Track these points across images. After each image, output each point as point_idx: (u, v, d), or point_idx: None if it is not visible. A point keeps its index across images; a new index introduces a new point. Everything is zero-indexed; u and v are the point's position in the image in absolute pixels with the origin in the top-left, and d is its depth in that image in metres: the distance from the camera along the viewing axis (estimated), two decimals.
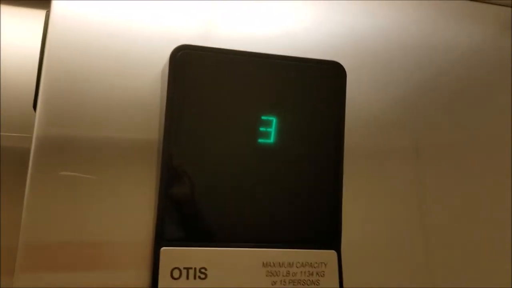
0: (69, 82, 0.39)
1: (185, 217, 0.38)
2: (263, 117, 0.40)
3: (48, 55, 0.39)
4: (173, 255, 0.36)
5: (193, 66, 0.38)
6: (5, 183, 0.45)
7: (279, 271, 0.38)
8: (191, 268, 0.36)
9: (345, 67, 0.42)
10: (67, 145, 0.38)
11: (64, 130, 0.38)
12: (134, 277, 0.37)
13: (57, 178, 0.37)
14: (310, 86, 0.41)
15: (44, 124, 0.38)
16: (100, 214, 0.37)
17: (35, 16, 0.49)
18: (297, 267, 0.39)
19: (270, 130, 0.40)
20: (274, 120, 0.40)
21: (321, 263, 0.40)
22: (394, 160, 0.46)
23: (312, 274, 0.39)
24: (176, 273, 0.36)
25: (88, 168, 0.38)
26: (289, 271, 0.39)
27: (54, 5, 0.40)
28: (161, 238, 0.37)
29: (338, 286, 0.39)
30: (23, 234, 0.36)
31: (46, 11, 0.40)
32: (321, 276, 0.39)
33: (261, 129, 0.40)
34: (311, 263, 0.39)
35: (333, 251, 0.40)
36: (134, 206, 0.38)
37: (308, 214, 0.40)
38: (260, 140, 0.39)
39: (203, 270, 0.37)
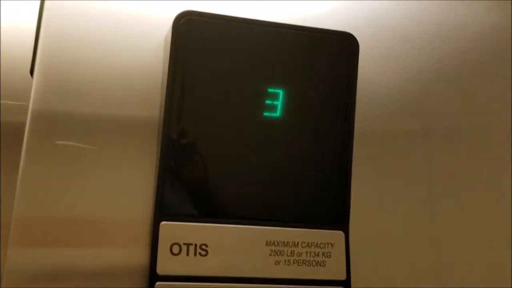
0: (67, 52, 0.37)
1: (186, 192, 0.36)
2: (270, 90, 0.38)
3: (45, 23, 0.37)
4: (173, 230, 0.35)
5: (197, 34, 0.36)
6: (4, 154, 0.43)
7: (283, 251, 0.37)
8: (191, 244, 0.35)
9: (358, 39, 0.40)
10: (64, 117, 0.36)
11: (62, 101, 0.36)
12: (133, 254, 0.35)
13: (54, 150, 0.36)
14: (320, 58, 0.39)
15: (41, 94, 0.36)
16: (98, 189, 0.36)
17: None
18: (302, 247, 0.37)
19: (277, 103, 0.38)
20: (281, 93, 0.38)
21: (328, 243, 0.38)
22: (404, 141, 0.44)
23: (318, 254, 0.37)
24: (175, 249, 0.34)
25: (86, 140, 0.36)
26: (293, 251, 0.37)
27: None
28: (161, 212, 0.35)
29: (345, 268, 0.38)
30: (17, 207, 0.34)
31: None
32: (327, 257, 0.38)
33: (267, 102, 0.38)
34: (317, 243, 0.38)
35: (341, 231, 0.38)
36: (134, 181, 0.37)
37: (315, 192, 0.39)
38: (265, 114, 0.38)
39: (203, 247, 0.35)
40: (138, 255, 0.35)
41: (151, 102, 0.38)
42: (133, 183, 0.37)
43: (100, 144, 0.37)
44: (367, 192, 0.42)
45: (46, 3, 0.38)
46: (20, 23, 0.46)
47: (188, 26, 0.36)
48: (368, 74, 0.43)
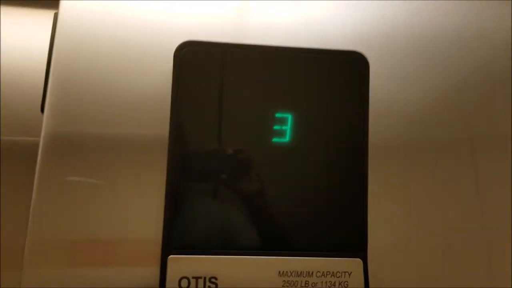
0: (78, 82, 0.38)
1: (194, 223, 0.35)
2: (278, 115, 0.37)
3: (56, 55, 0.38)
4: (181, 264, 0.34)
5: (199, 63, 0.36)
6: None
7: (297, 281, 0.35)
8: (200, 277, 0.34)
9: (373, 58, 0.38)
10: (75, 146, 0.37)
11: (72, 131, 0.37)
12: (144, 277, 0.35)
13: (65, 180, 0.36)
14: (328, 79, 0.37)
15: (52, 125, 0.37)
16: (109, 213, 0.36)
17: (41, 17, 0.48)
18: (317, 276, 0.36)
19: (285, 128, 0.37)
20: (289, 117, 0.37)
21: (345, 272, 0.36)
22: (425, 159, 0.42)
23: (334, 284, 0.36)
24: (184, 283, 0.34)
25: (96, 168, 0.37)
26: (308, 281, 0.35)
27: (62, 5, 0.39)
28: (169, 245, 0.34)
29: None
30: (31, 233, 0.35)
31: (55, 13, 0.40)
32: (345, 286, 0.36)
33: (276, 127, 0.37)
34: (333, 272, 0.36)
35: (359, 259, 0.37)
36: (145, 205, 0.36)
37: (330, 218, 0.37)
38: (274, 139, 0.37)
39: (213, 280, 0.34)
40: (151, 279, 0.35)
41: (161, 127, 0.38)
42: (145, 207, 0.36)
43: (110, 170, 0.37)
44: (388, 213, 0.40)
45: (57, 37, 0.38)
46: (32, 58, 0.47)
47: (189, 56, 0.36)
48: (384, 92, 0.41)
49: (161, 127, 0.37)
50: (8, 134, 0.46)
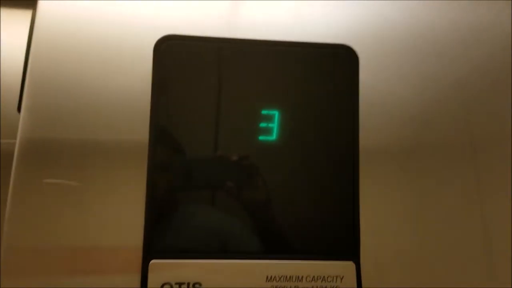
0: (55, 84, 0.36)
1: (176, 226, 0.34)
2: (264, 112, 0.35)
3: (33, 56, 0.37)
4: (163, 269, 0.32)
5: (179, 58, 0.34)
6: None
7: (286, 287, 0.33)
8: (183, 283, 0.32)
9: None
10: (52, 149, 0.35)
11: (50, 133, 0.35)
12: (126, 283, 0.33)
13: (42, 183, 0.35)
14: (316, 74, 0.36)
15: (28, 128, 0.35)
16: (87, 218, 0.34)
17: (20, 17, 0.47)
18: (307, 281, 0.34)
19: (272, 125, 0.35)
20: (276, 114, 0.35)
21: (336, 276, 0.34)
22: (417, 160, 0.40)
23: None
24: None
25: (75, 171, 0.35)
26: (297, 286, 0.34)
27: (40, 5, 0.38)
28: (150, 250, 0.33)
29: None
30: (6, 240, 0.33)
31: (32, 11, 0.38)
32: None
33: (262, 125, 0.35)
34: (324, 276, 0.34)
35: (351, 262, 0.35)
36: (124, 210, 0.35)
37: (320, 219, 0.35)
38: (260, 138, 0.35)
39: (197, 286, 0.32)
40: (132, 281, 0.33)
41: (140, 129, 0.36)
42: (124, 212, 0.34)
43: (88, 174, 0.35)
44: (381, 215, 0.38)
45: (35, 37, 0.37)
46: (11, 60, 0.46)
47: (169, 50, 0.34)
48: (375, 88, 0.40)
49: (140, 130, 0.35)
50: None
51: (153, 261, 0.33)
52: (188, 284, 0.32)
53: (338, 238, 0.35)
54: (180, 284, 0.32)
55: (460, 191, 0.38)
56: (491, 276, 0.38)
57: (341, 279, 0.34)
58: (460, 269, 0.37)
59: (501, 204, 0.39)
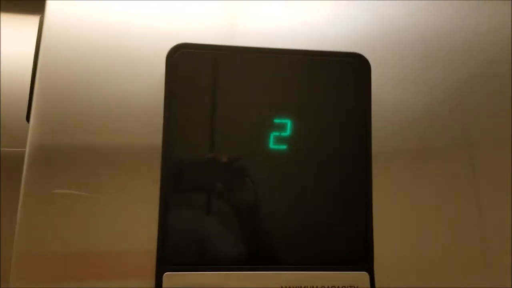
0: (65, 90, 0.36)
1: (189, 237, 0.33)
2: (276, 120, 0.35)
3: (42, 62, 0.36)
4: (177, 281, 0.32)
5: (193, 67, 0.34)
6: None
7: None
8: None
9: (372, 60, 0.36)
10: (62, 157, 0.35)
11: (59, 141, 0.35)
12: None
13: (52, 192, 0.34)
14: (328, 82, 0.36)
15: (38, 135, 0.35)
16: (99, 225, 0.34)
17: (29, 22, 0.46)
18: None
19: (285, 134, 0.35)
20: (288, 123, 0.35)
21: (350, 287, 0.34)
22: (430, 163, 0.40)
23: None
24: None
25: (85, 180, 0.34)
26: None
27: (48, 9, 0.37)
28: (164, 261, 0.32)
29: None
30: (18, 246, 0.33)
31: (40, 17, 0.38)
32: None
33: (274, 133, 0.35)
34: (338, 287, 0.34)
35: (365, 272, 0.34)
36: (136, 216, 0.34)
37: (334, 230, 0.35)
38: (272, 146, 0.35)
39: None
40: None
41: (153, 136, 0.36)
42: (137, 218, 0.34)
43: (99, 182, 0.34)
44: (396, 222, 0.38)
45: (43, 42, 0.36)
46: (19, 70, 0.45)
47: (183, 59, 0.34)
48: (387, 95, 0.39)
49: (153, 136, 0.35)
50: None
51: (166, 273, 0.32)
52: None
53: (352, 247, 0.35)
54: None
55: (473, 194, 0.39)
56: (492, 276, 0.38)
57: None
58: (480, 275, 0.37)
59: (507, 206, 0.39)
